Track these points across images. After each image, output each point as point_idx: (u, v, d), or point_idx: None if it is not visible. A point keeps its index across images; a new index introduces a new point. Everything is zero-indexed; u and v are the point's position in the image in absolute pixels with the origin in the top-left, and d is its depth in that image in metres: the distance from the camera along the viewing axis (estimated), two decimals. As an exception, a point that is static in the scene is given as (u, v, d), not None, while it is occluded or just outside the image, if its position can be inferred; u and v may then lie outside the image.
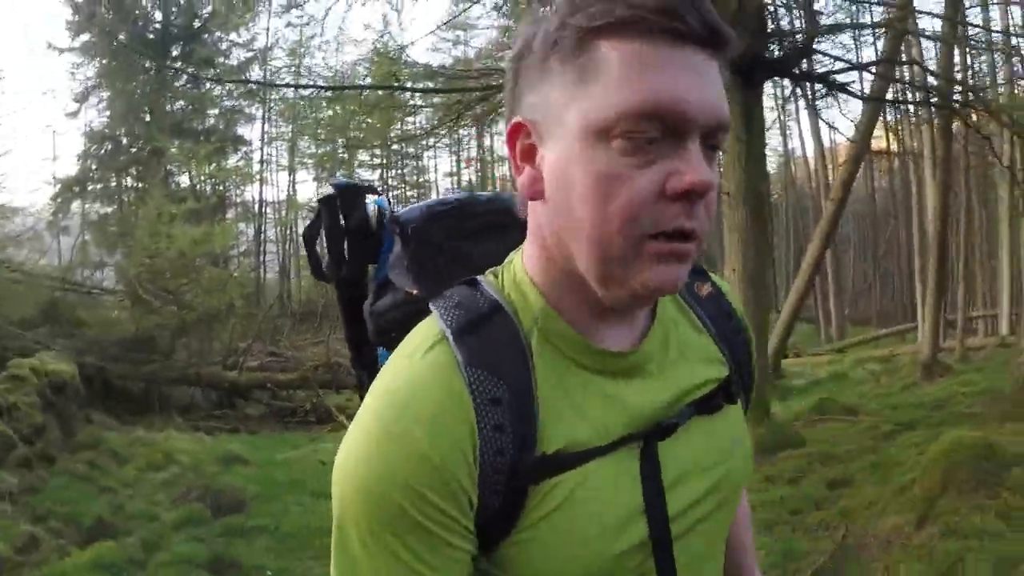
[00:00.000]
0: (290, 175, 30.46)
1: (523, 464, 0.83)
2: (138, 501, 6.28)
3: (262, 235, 27.19)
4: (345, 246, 1.28)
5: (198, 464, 7.72)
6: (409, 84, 9.76)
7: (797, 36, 8.14)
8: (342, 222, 1.27)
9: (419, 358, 0.86)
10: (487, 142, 32.88)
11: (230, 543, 5.55)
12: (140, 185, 22.25)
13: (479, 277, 0.95)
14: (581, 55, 0.80)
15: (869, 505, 5.31)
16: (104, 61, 22.63)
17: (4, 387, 7.04)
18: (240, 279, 17.19)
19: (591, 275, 0.83)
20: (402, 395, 0.83)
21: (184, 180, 23.82)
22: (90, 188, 22.97)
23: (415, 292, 1.12)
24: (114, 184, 23.56)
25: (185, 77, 22.38)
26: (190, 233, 14.68)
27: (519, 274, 0.92)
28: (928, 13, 13.81)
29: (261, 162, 26.17)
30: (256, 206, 27.18)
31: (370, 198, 1.29)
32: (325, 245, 1.29)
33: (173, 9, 23.12)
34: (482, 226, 1.20)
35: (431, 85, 9.55)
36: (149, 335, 12.65)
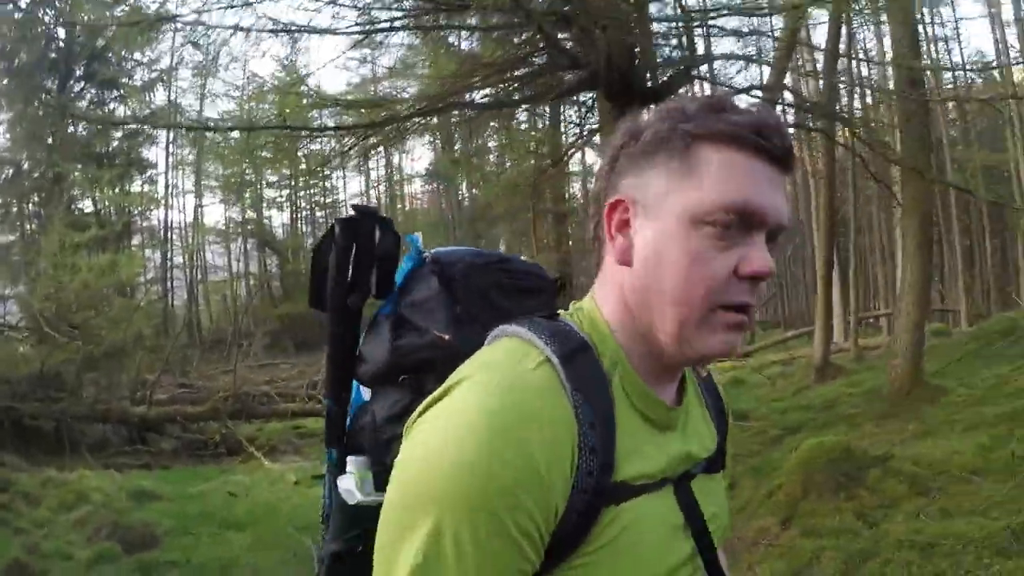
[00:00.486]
0: (197, 198, 30.31)
1: (604, 487, 0.92)
2: (52, 541, 6.59)
3: (169, 261, 26.98)
4: (352, 272, 1.31)
5: (110, 502, 8.00)
6: (315, 114, 10.01)
7: (673, 67, 8.82)
8: (354, 248, 1.31)
9: (528, 371, 0.92)
10: (395, 160, 33.20)
11: (141, 577, 5.94)
12: (43, 212, 21.97)
13: (558, 313, 1.06)
14: (687, 155, 0.97)
15: (742, 508, 5.77)
16: (4, 82, 22.35)
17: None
18: (147, 309, 17.23)
19: (667, 334, 0.98)
20: (514, 405, 0.88)
21: (88, 206, 23.56)
22: None
23: (446, 337, 1.19)
24: (16, 211, 23.22)
25: (87, 99, 22.23)
26: (96, 262, 14.76)
27: (596, 317, 1.04)
28: (808, 45, 14.75)
29: (166, 186, 26.01)
30: (162, 232, 26.99)
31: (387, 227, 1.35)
32: (333, 268, 1.31)
33: (77, 28, 22.99)
34: (519, 286, 1.31)
35: (338, 113, 9.79)
36: (56, 371, 12.73)
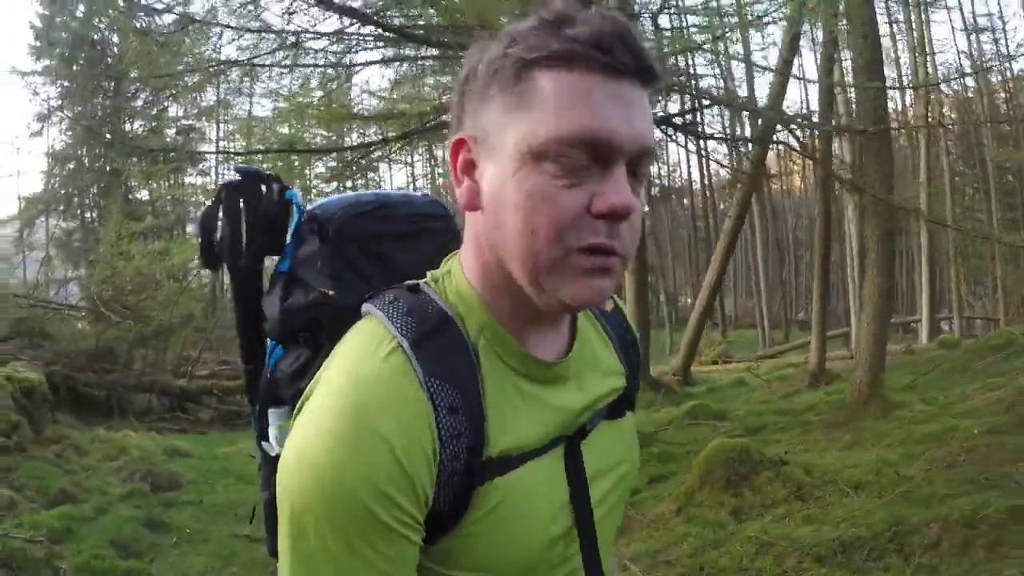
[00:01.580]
0: None
1: (474, 467, 0.91)
2: (94, 480, 8.12)
3: None
4: (245, 234, 1.32)
5: (146, 456, 9.50)
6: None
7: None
8: (243, 210, 1.32)
9: (378, 363, 0.91)
10: (439, 153, 34.58)
11: (163, 511, 7.43)
12: (102, 202, 23.92)
13: (421, 283, 1.02)
14: (519, 83, 0.90)
15: (664, 493, 6.47)
16: (65, 84, 24.35)
17: (-18, 392, 8.92)
18: (194, 292, 18.97)
19: (524, 283, 0.93)
20: (368, 397, 0.88)
21: (144, 196, 25.42)
22: (54, 207, 24.68)
23: (331, 294, 1.17)
24: (77, 201, 25.26)
25: (142, 99, 24.04)
26: (149, 249, 16.51)
27: (461, 283, 1.00)
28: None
29: (217, 176, 27.73)
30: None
31: (283, 189, 1.35)
32: (224, 231, 1.33)
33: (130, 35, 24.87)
34: (404, 231, 1.28)
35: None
36: (109, 347, 14.51)
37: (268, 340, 1.31)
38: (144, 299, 15.89)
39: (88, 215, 25.18)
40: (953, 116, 29.68)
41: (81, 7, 24.44)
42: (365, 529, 0.86)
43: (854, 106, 12.33)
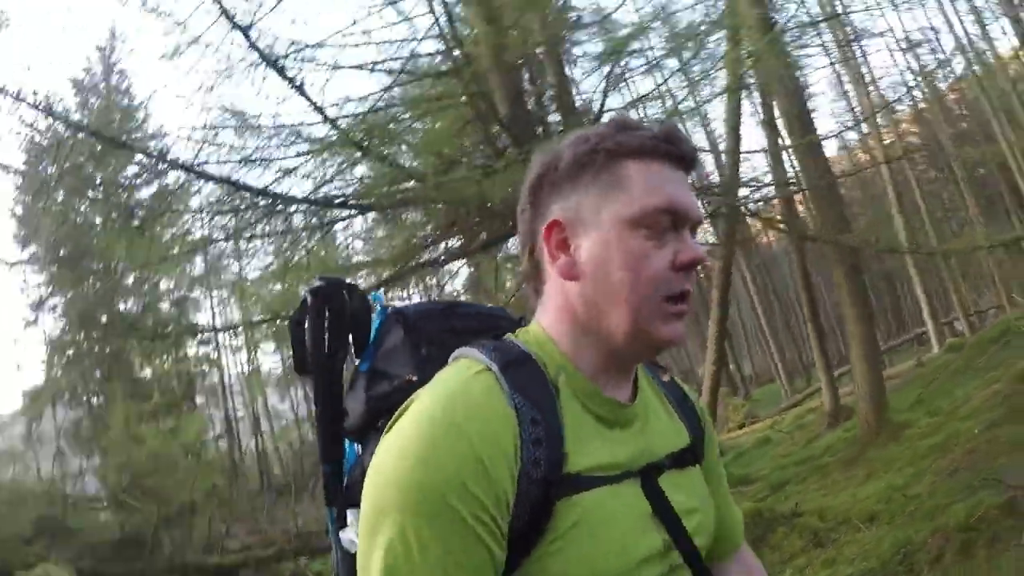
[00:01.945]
0: (249, 352, 31.81)
1: (553, 479, 1.01)
2: None
3: (232, 414, 28.32)
4: (328, 336, 1.40)
5: None
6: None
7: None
8: (327, 314, 1.40)
9: (469, 377, 1.06)
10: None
11: None
12: (106, 388, 23.88)
13: (506, 335, 1.19)
14: (612, 171, 1.13)
15: None
16: (53, 269, 24.65)
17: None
18: (211, 465, 18.82)
19: (623, 330, 1.11)
20: (455, 403, 1.01)
21: (148, 374, 25.41)
22: (58, 397, 24.64)
23: (414, 379, 1.26)
24: (80, 389, 25.22)
25: (133, 275, 24.26)
26: (160, 429, 16.50)
27: (540, 336, 1.17)
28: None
29: (216, 345, 27.75)
30: (221, 388, 28.64)
31: (363, 294, 1.46)
32: (310, 335, 1.40)
33: (113, 214, 25.36)
34: (477, 327, 1.38)
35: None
36: (134, 534, 14.37)
37: (347, 441, 1.38)
38: (163, 480, 15.74)
39: (94, 400, 25.12)
40: (914, 131, 30.86)
41: (61, 192, 24.98)
42: (443, 523, 0.94)
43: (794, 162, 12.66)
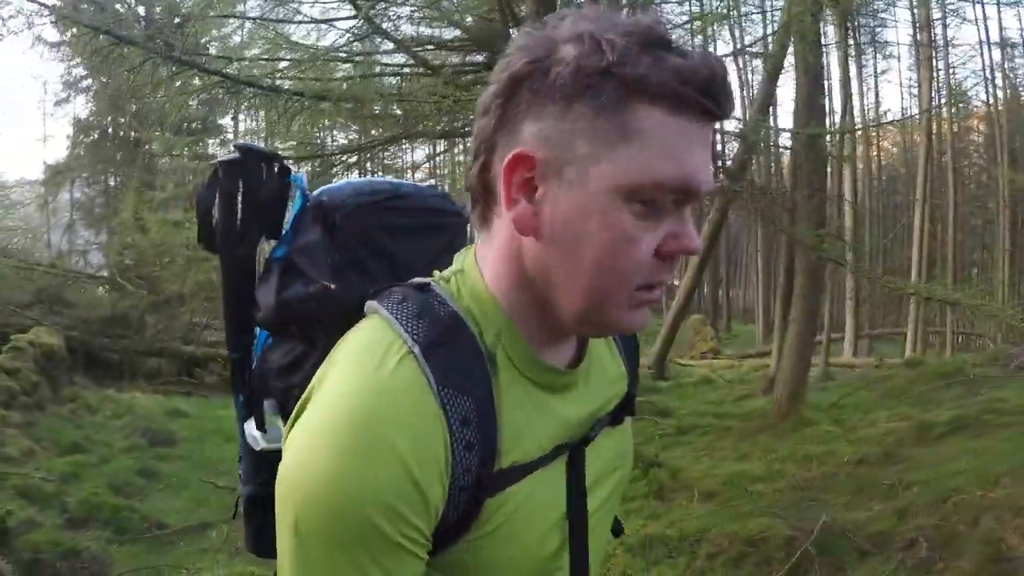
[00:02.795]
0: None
1: (484, 479, 0.91)
2: (102, 435, 9.81)
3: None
4: (241, 217, 1.29)
5: (149, 414, 11.19)
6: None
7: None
8: (240, 190, 1.29)
9: (388, 372, 0.88)
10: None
11: (156, 462, 9.10)
12: (124, 171, 25.53)
13: (430, 282, 1.01)
14: (622, 112, 0.86)
15: None
16: (91, 56, 25.84)
17: (9, 355, 10.47)
18: (208, 262, 20.51)
19: (572, 311, 0.94)
20: (380, 407, 0.86)
21: (166, 165, 26.96)
22: (78, 173, 26.37)
23: (332, 287, 1.15)
24: (100, 168, 26.90)
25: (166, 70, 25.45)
26: (166, 219, 18.08)
27: (478, 286, 0.99)
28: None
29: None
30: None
31: (285, 170, 1.33)
32: (219, 212, 1.29)
33: (156, 7, 26.42)
34: (414, 225, 1.27)
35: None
36: (124, 314, 16.29)
37: (257, 329, 1.29)
38: (159, 270, 17.49)
39: (111, 182, 26.80)
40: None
41: None
42: (373, 546, 0.84)
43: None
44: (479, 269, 1.01)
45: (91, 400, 11.50)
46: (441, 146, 16.13)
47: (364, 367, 0.90)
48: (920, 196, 23.77)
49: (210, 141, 27.54)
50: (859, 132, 24.25)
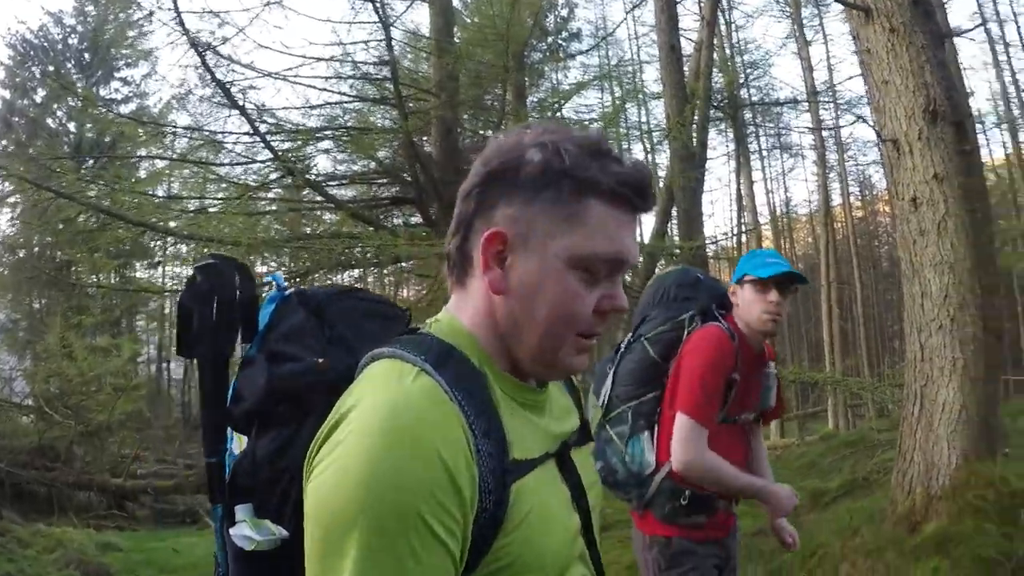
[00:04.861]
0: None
1: (505, 465, 1.13)
2: (35, 568, 10.33)
3: (168, 343, 29.71)
4: (216, 318, 1.45)
5: (82, 549, 11.62)
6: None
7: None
8: (215, 294, 1.46)
9: (409, 382, 1.12)
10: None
11: (94, 599, 9.76)
12: (49, 294, 25.80)
13: (419, 327, 1.31)
14: (575, 203, 1.23)
15: None
16: (20, 169, 26.43)
17: (-67, 488, 11.15)
18: (139, 389, 20.89)
19: (529, 354, 1.27)
20: (409, 413, 1.06)
21: (93, 289, 27.24)
22: (1, 294, 26.65)
23: (321, 361, 1.37)
24: (25, 290, 27.10)
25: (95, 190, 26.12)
26: (95, 346, 18.54)
27: (457, 327, 1.29)
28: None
29: (163, 274, 29.44)
30: (161, 314, 30.50)
31: (251, 275, 1.54)
32: (198, 314, 1.44)
33: (88, 125, 27.32)
34: (378, 311, 1.57)
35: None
36: (51, 444, 16.70)
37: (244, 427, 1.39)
38: (85, 400, 17.91)
39: (36, 304, 27.03)
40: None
41: (41, 92, 26.84)
42: (416, 539, 0.99)
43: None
44: (455, 318, 1.31)
45: (22, 534, 11.97)
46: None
47: (387, 385, 1.12)
48: (824, 281, 27.20)
49: (138, 264, 28.15)
50: (746, 233, 28.57)
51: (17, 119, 26.53)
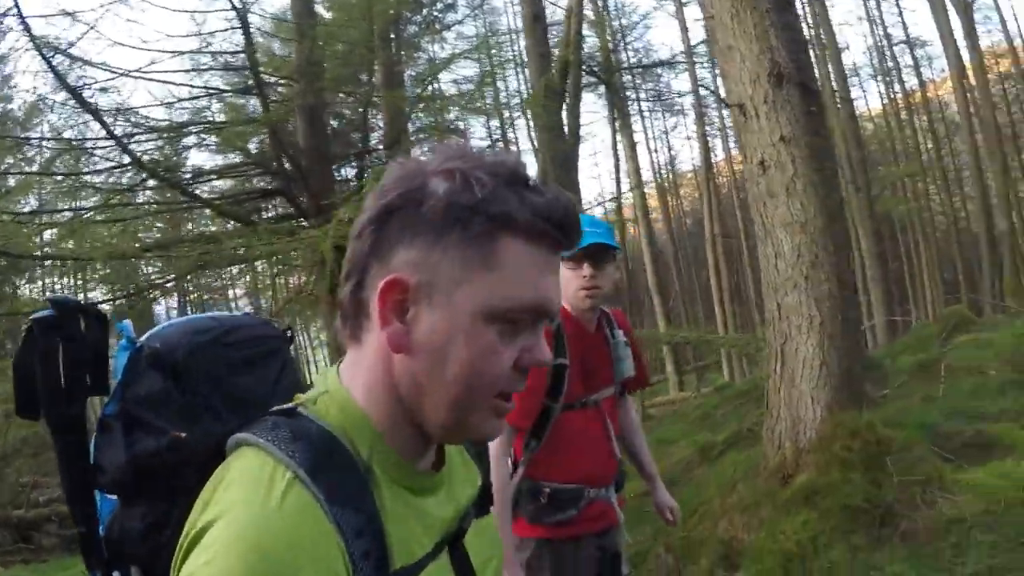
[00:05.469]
0: (83, 296, 32.05)
1: None
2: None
3: None
4: (64, 376, 1.30)
5: None
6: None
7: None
8: (60, 348, 1.30)
9: (278, 502, 0.96)
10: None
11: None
12: None
13: (296, 406, 1.12)
14: (488, 244, 1.06)
15: None
16: None
17: None
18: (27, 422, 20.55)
19: (439, 421, 1.12)
20: (275, 542, 0.92)
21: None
22: None
23: (183, 436, 1.25)
24: None
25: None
26: None
27: (348, 404, 1.13)
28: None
29: (43, 288, 28.58)
30: None
31: (103, 320, 1.37)
32: (40, 373, 1.29)
33: None
34: (248, 359, 1.40)
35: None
36: (-55, 482, 16.41)
37: (98, 493, 1.33)
38: None
39: None
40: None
41: None
42: None
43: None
44: (346, 387, 1.14)
45: (-73, 575, 11.83)
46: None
47: (252, 502, 0.96)
48: (709, 236, 29.19)
49: (16, 279, 27.40)
50: (631, 192, 30.74)
51: None
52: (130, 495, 1.30)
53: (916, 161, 32.93)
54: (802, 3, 25.61)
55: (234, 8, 10.56)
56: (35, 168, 12.81)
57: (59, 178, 12.37)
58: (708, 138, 31.39)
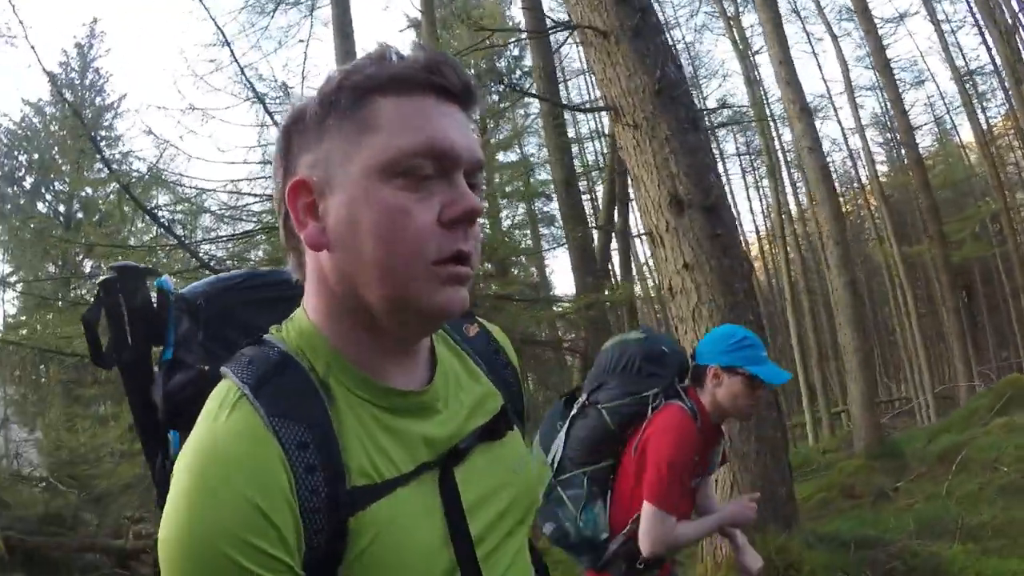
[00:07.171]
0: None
1: (339, 497, 1.04)
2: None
3: None
4: (127, 328, 1.45)
5: None
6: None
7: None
8: (123, 305, 1.46)
9: (224, 419, 1.04)
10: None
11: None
12: (51, 368, 27.49)
13: (265, 335, 1.19)
14: (360, 109, 1.08)
15: None
16: (16, 251, 28.76)
17: (-55, 556, 12.50)
18: (138, 456, 22.94)
19: (383, 305, 1.10)
20: (215, 450, 1.01)
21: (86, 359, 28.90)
22: (8, 371, 28.53)
23: (206, 369, 1.34)
24: (31, 365, 28.99)
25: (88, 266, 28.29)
26: (92, 414, 20.47)
27: (304, 324, 1.17)
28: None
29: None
30: None
31: (155, 279, 1.50)
32: (111, 329, 1.45)
33: (76, 204, 29.82)
34: (266, 298, 1.47)
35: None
36: (58, 511, 18.91)
37: (167, 431, 1.42)
38: (88, 469, 19.82)
39: (42, 379, 28.67)
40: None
41: (29, 179, 29.24)
42: (221, 574, 0.96)
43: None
44: (305, 312, 1.20)
45: (32, 597, 14.27)
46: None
47: (205, 419, 1.07)
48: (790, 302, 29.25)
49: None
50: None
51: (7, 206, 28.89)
52: (178, 427, 1.39)
53: (1000, 198, 27.60)
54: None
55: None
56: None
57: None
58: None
